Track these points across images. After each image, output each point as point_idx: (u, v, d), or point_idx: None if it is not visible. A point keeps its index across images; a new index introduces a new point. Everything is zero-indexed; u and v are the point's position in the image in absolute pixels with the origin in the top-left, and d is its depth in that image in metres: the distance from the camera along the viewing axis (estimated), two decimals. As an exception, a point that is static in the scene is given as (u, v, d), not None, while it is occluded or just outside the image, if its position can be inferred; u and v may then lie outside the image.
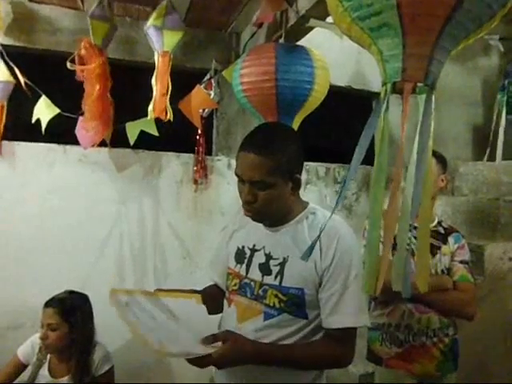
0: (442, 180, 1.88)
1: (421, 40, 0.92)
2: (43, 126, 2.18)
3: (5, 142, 2.29)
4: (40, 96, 2.20)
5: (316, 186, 2.88)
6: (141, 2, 2.37)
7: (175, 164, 2.60)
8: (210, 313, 1.36)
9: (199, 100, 2.29)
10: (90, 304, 2.00)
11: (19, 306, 2.25)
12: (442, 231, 1.87)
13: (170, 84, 2.18)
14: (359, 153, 0.96)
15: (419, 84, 0.94)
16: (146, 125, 2.24)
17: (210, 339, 1.10)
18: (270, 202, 1.18)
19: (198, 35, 2.64)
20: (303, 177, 1.25)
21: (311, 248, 1.07)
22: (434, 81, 0.95)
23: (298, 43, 1.97)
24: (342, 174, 2.96)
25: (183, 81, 2.31)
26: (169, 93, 2.18)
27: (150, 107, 2.20)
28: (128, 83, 2.61)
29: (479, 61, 3.49)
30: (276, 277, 1.22)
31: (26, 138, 2.34)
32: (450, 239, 1.85)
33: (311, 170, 2.87)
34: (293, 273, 1.20)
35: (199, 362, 1.08)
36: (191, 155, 2.61)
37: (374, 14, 0.92)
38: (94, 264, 2.42)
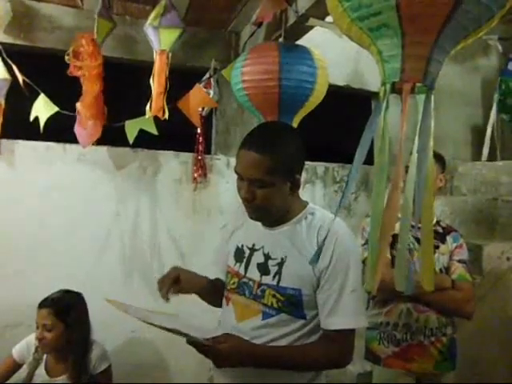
0: (441, 180, 1.89)
1: (420, 40, 0.92)
2: (41, 124, 2.18)
3: (3, 141, 2.29)
4: (39, 94, 2.20)
5: (315, 186, 2.88)
6: (140, 1, 2.37)
7: (174, 163, 2.60)
8: (215, 305, 1.41)
9: (198, 99, 2.29)
10: (84, 303, 1.99)
11: (17, 304, 2.25)
12: (441, 230, 1.88)
13: (168, 83, 2.18)
14: (361, 153, 0.96)
15: (418, 84, 0.95)
16: (145, 123, 2.24)
17: (209, 341, 1.10)
18: (268, 201, 1.18)
19: (197, 34, 2.64)
20: (302, 176, 1.25)
21: (318, 253, 1.07)
22: (432, 81, 0.95)
23: (297, 42, 1.97)
24: (340, 174, 2.97)
25: (183, 80, 2.30)
26: (167, 91, 2.18)
27: (148, 106, 2.20)
28: (128, 82, 2.61)
29: (478, 61, 3.49)
30: (274, 277, 1.22)
31: (26, 137, 2.34)
32: (449, 238, 1.86)
33: (310, 169, 2.88)
34: (291, 273, 1.20)
35: (197, 345, 1.09)
36: (190, 154, 2.61)
37: (374, 15, 0.92)
38: (93, 262, 2.41)
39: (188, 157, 2.62)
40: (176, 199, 2.60)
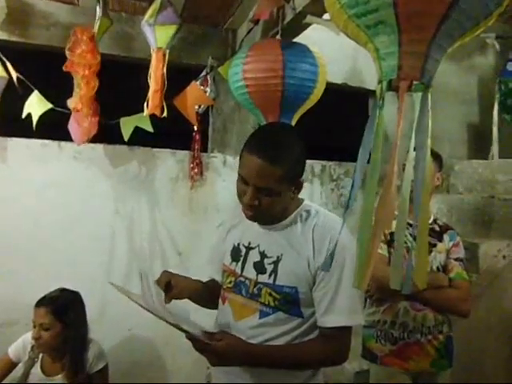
0: (438, 178, 1.89)
1: (417, 38, 0.91)
2: (34, 120, 2.16)
3: (-2, 138, 2.28)
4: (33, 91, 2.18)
5: (312, 183, 2.87)
6: (136, -2, 2.36)
7: (171, 161, 2.59)
8: (210, 307, 1.39)
9: (195, 96, 2.28)
10: (82, 301, 1.98)
11: (14, 302, 2.24)
12: (438, 229, 1.88)
13: (165, 80, 2.17)
14: (363, 153, 0.96)
15: (415, 82, 0.94)
16: (141, 121, 2.22)
17: (207, 337, 1.10)
18: (273, 206, 1.17)
19: (194, 31, 2.62)
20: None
21: (331, 259, 1.05)
22: (429, 79, 0.95)
23: (295, 40, 1.97)
24: (337, 172, 2.97)
25: (179, 77, 2.29)
26: (164, 89, 2.17)
27: (146, 104, 2.18)
28: (125, 79, 2.59)
29: (475, 59, 3.49)
30: (270, 275, 1.21)
31: (22, 134, 2.32)
32: (446, 237, 1.87)
33: (307, 167, 2.86)
34: (286, 271, 1.20)
35: (195, 342, 1.08)
36: (187, 152, 2.61)
37: (371, 12, 0.92)
38: (89, 260, 2.40)
39: (184, 155, 2.61)
40: (172, 197, 2.60)
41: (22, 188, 2.32)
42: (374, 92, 0.98)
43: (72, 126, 2.21)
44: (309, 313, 1.21)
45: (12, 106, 2.17)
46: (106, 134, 2.35)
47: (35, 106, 2.16)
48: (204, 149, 2.67)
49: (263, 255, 1.24)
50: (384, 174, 0.95)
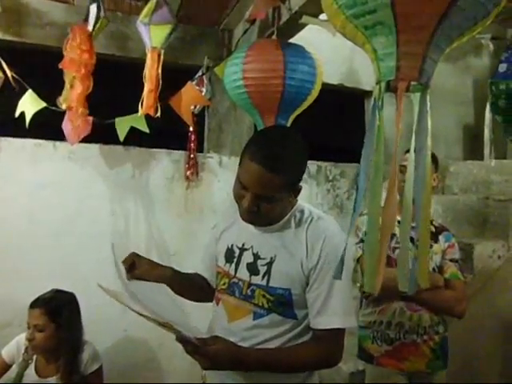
0: (434, 179, 1.89)
1: (415, 38, 0.91)
2: (27, 119, 2.14)
3: (-8, 138, 2.26)
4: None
5: (307, 184, 2.87)
6: (132, -3, 2.35)
7: (166, 161, 2.58)
8: (195, 299, 1.42)
9: (190, 97, 2.28)
10: (77, 302, 1.97)
11: (7, 303, 2.22)
12: (433, 230, 1.88)
13: (160, 80, 2.16)
14: (366, 156, 0.95)
15: (413, 82, 0.94)
16: (136, 121, 2.21)
17: (199, 343, 1.08)
18: (272, 212, 1.17)
19: (190, 31, 2.62)
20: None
21: (341, 265, 1.03)
22: (428, 79, 0.95)
23: (290, 41, 1.97)
24: (333, 172, 2.97)
25: (175, 77, 2.28)
26: (159, 89, 2.16)
27: (140, 104, 2.17)
28: (120, 79, 2.58)
29: (470, 60, 3.51)
30: (263, 277, 1.20)
31: (16, 134, 2.30)
32: (441, 238, 1.87)
33: (303, 167, 2.87)
34: (280, 273, 1.19)
35: (186, 344, 1.06)
36: (182, 152, 2.59)
37: (369, 12, 0.91)
38: (84, 261, 2.38)
39: (180, 155, 2.60)
40: (168, 197, 2.58)
41: (16, 188, 2.30)
42: (370, 93, 0.97)
43: (66, 126, 2.20)
44: (303, 314, 1.20)
45: (6, 106, 2.15)
46: (101, 134, 2.33)
47: (29, 104, 2.14)
48: (200, 149, 2.67)
49: (256, 256, 1.23)
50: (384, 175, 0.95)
